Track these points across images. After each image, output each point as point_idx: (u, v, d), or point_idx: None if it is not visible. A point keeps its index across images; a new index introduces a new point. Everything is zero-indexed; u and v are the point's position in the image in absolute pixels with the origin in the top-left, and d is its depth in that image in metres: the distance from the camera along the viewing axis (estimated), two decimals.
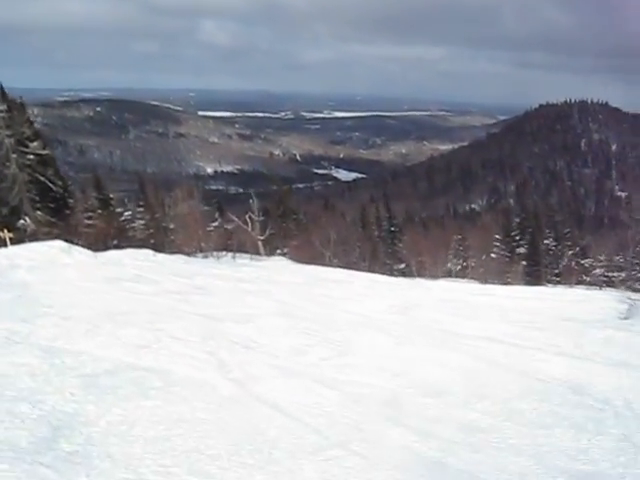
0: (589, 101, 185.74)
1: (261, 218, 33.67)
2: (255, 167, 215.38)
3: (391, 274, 43.04)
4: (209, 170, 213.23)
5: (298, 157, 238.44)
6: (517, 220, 54.67)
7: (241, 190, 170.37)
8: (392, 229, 54.52)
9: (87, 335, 8.57)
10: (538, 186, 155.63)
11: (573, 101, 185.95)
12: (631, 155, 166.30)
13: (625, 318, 15.49)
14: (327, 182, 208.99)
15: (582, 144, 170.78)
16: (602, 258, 54.12)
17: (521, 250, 50.81)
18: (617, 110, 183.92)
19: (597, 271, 52.82)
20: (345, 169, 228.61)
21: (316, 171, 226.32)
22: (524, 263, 49.70)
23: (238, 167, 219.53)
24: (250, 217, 33.33)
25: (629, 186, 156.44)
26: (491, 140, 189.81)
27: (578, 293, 34.19)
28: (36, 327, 8.66)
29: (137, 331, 8.93)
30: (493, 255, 49.19)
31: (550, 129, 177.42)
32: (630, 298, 18.99)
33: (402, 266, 49.52)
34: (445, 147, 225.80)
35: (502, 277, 46.41)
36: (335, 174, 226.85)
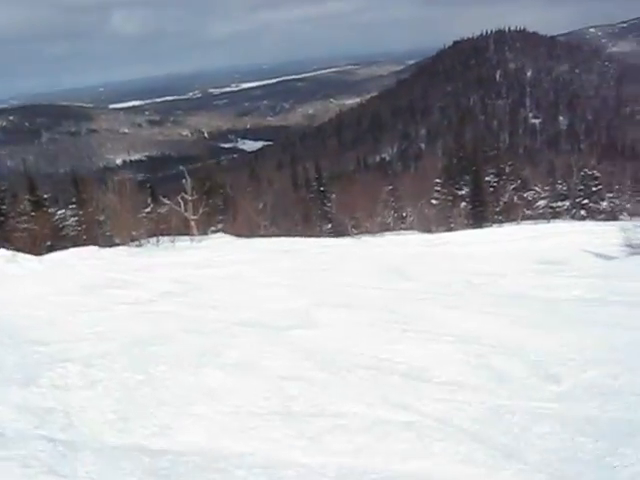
0: (506, 29, 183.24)
1: (194, 197, 31.39)
2: (163, 152, 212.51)
3: (327, 235, 39.85)
4: (118, 161, 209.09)
5: (206, 135, 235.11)
6: (455, 160, 51.21)
7: (149, 176, 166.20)
8: (321, 189, 50.54)
9: (155, 404, 5.22)
10: (451, 125, 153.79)
11: (489, 32, 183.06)
12: (546, 80, 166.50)
13: None
14: (233, 155, 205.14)
15: (497, 75, 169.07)
16: (546, 188, 51.43)
17: (461, 192, 47.45)
18: (534, 34, 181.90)
19: (541, 202, 50.07)
20: (251, 139, 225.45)
21: (222, 146, 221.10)
22: (463, 204, 46.67)
23: (146, 154, 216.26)
24: (183, 197, 31.25)
25: (543, 112, 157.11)
26: (401, 86, 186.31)
27: (552, 229, 31.62)
28: (62, 394, 5.36)
29: (221, 375, 5.82)
30: (434, 201, 45.67)
31: (464, 65, 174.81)
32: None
33: (329, 226, 46.76)
34: (351, 101, 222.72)
35: (445, 223, 43.66)
36: (241, 146, 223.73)
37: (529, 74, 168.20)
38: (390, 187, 51.17)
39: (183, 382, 5.68)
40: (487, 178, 49.17)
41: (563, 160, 58.66)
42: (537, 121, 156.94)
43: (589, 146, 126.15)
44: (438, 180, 47.82)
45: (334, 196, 50.81)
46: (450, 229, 41.13)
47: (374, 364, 6.07)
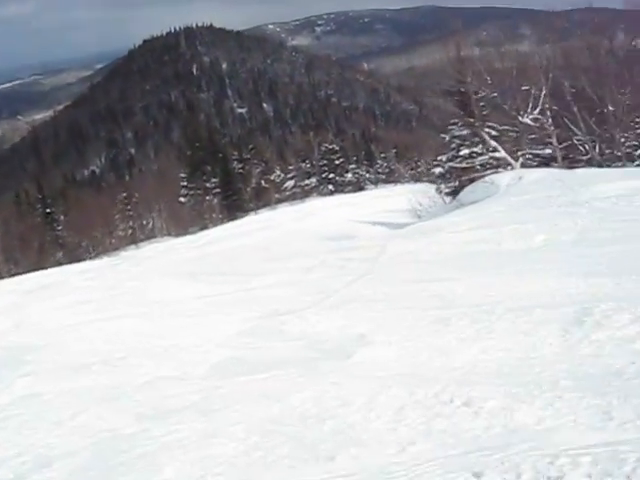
0: (194, 26, 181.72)
1: None
2: None
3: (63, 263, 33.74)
4: None
5: None
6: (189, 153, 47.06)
7: None
8: (47, 212, 42.83)
9: None
10: (158, 124, 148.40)
11: (178, 29, 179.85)
12: (242, 70, 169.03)
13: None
14: None
15: (194, 69, 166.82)
16: (290, 168, 49.55)
17: (209, 184, 43.47)
18: (222, 30, 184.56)
19: (289, 183, 48.05)
20: None
21: None
22: (209, 197, 42.84)
23: None
24: None
25: (247, 101, 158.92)
26: (96, 92, 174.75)
27: (310, 207, 30.85)
28: None
29: None
30: (182, 199, 40.97)
31: (159, 62, 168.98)
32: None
33: (61, 254, 39.94)
34: (43, 115, 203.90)
35: (199, 220, 39.64)
36: None
37: (225, 66, 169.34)
38: (124, 194, 45.26)
39: None
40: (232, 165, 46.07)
41: (301, 138, 57.26)
42: (243, 110, 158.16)
43: (299, 127, 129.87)
44: (183, 175, 43.08)
45: (63, 218, 43.89)
46: (205, 226, 37.22)
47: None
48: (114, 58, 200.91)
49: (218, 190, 42.78)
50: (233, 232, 25.81)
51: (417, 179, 52.93)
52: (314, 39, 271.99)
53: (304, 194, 46.60)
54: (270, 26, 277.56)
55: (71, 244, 40.85)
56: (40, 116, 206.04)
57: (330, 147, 49.74)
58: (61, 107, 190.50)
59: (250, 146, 49.87)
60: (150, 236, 40.93)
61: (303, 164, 49.58)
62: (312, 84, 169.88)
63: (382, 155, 61.19)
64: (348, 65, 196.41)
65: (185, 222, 39.74)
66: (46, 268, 24.68)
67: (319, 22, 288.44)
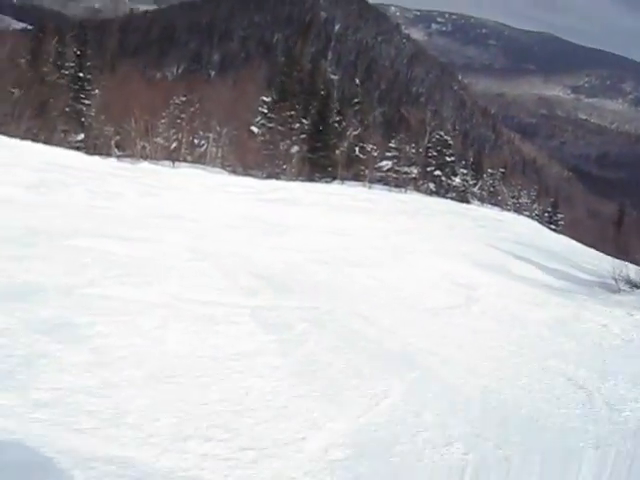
0: None
1: None
2: None
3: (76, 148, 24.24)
4: None
5: None
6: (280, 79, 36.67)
7: None
8: (80, 75, 32.48)
9: None
10: (249, 58, 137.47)
11: None
12: (351, 38, 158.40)
13: None
14: None
15: (307, 19, 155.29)
16: (392, 146, 38.60)
17: (296, 125, 32.94)
18: None
19: (385, 164, 37.38)
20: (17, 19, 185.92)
21: None
22: (289, 142, 32.49)
23: None
24: None
25: (342, 69, 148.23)
26: (207, 2, 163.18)
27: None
28: None
29: None
30: (254, 128, 30.71)
31: None
32: None
33: (81, 136, 30.94)
34: (149, 7, 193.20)
35: (269, 163, 29.50)
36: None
37: (337, 28, 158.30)
38: (183, 98, 34.82)
39: None
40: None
41: (415, 116, 46.51)
42: (335, 77, 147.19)
43: (381, 115, 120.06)
44: (265, 99, 32.57)
45: (97, 92, 33.53)
46: (275, 175, 27.11)
47: None
48: None
49: (304, 136, 32.23)
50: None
51: (518, 210, 43.95)
52: (426, 35, 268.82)
53: (400, 182, 36.43)
54: (392, 8, 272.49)
55: (96, 128, 31.19)
56: (146, 6, 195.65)
57: (444, 138, 39.25)
58: (167, 5, 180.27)
59: (355, 99, 39.01)
60: (196, 160, 31.03)
61: (408, 147, 39.01)
62: (409, 77, 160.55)
63: (490, 171, 50.77)
64: (449, 71, 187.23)
65: (248, 159, 29.61)
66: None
67: (438, 19, 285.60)
